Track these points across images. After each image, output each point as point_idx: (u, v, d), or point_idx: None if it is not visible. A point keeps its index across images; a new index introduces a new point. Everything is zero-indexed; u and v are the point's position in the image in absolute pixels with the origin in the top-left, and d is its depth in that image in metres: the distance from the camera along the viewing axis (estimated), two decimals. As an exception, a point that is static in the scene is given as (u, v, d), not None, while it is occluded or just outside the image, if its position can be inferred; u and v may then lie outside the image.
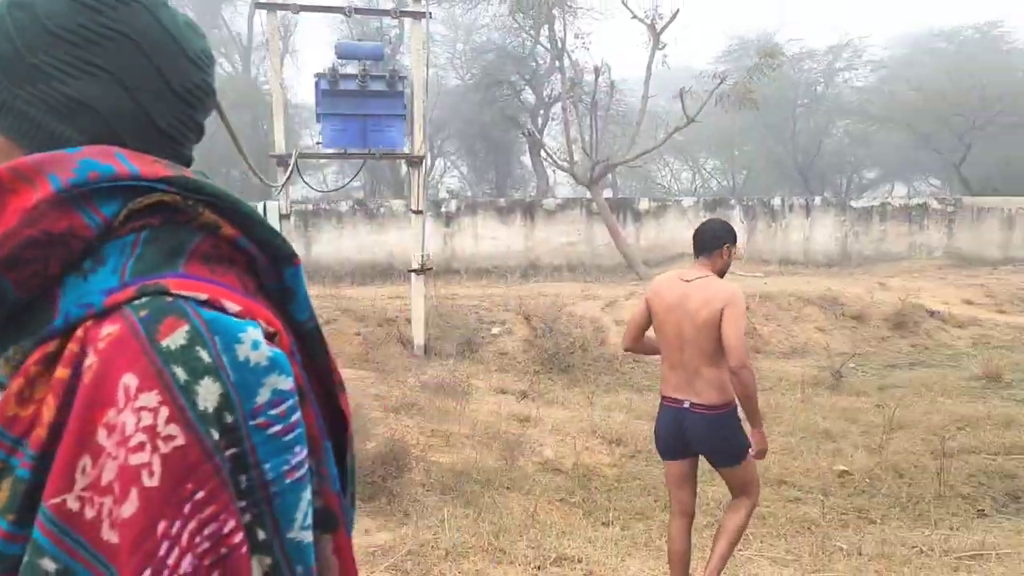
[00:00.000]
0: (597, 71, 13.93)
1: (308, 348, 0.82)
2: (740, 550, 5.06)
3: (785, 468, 6.76)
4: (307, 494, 0.72)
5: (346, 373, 8.36)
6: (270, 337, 0.71)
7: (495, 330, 10.73)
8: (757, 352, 11.49)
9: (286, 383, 0.70)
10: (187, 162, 0.82)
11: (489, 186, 29.28)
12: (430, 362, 9.77)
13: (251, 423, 0.68)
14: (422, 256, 9.81)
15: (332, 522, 0.82)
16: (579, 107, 15.85)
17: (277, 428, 0.69)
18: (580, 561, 4.50)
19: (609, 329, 11.31)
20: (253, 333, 0.68)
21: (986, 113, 21.61)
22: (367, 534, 4.53)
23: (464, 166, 32.97)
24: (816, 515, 5.63)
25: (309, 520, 0.73)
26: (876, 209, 18.47)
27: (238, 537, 0.67)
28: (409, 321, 10.47)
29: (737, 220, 17.35)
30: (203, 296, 0.68)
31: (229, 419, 0.66)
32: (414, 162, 9.72)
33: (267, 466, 0.69)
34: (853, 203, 18.90)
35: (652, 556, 4.84)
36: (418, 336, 10.10)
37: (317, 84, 9.28)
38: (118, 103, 0.76)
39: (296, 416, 0.70)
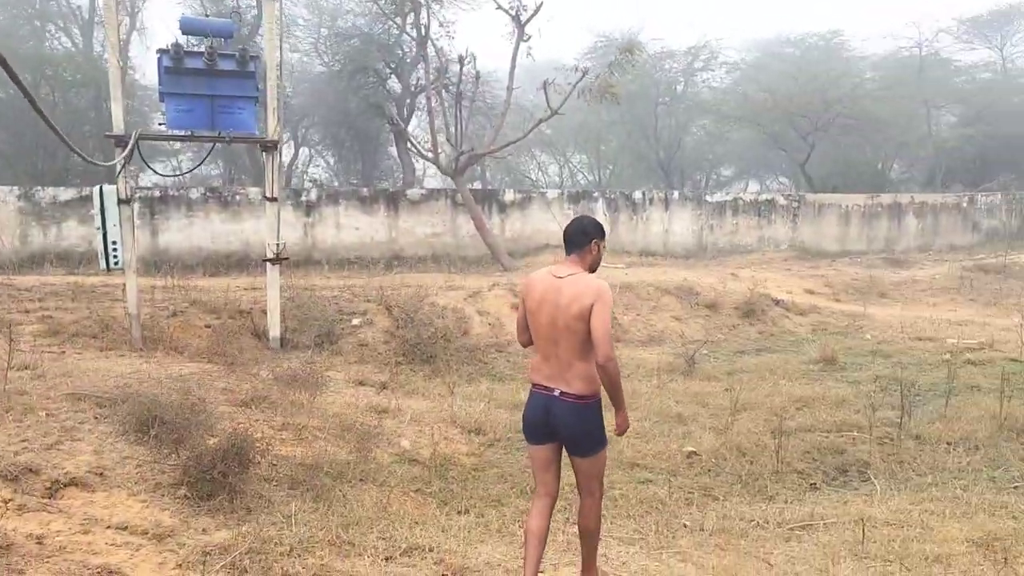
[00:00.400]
0: (462, 61, 13.86)
1: None
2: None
3: (638, 451, 6.94)
4: None
5: (192, 367, 7.94)
6: None
7: (355, 321, 10.49)
8: (618, 341, 11.79)
9: None
10: None
11: (356, 177, 28.68)
12: (286, 354, 9.44)
13: None
14: (277, 245, 9.46)
15: None
16: (444, 97, 15.73)
17: None
18: (431, 550, 4.43)
19: (472, 319, 11.31)
20: None
21: (828, 115, 23.13)
22: (204, 533, 4.28)
23: (330, 156, 32.16)
24: (664, 495, 5.81)
25: None
26: (729, 204, 19.40)
27: None
28: (264, 312, 10.08)
29: (600, 213, 17.76)
30: None
31: None
32: (268, 147, 9.34)
33: None
34: (709, 198, 19.77)
35: (505, 542, 4.84)
36: (273, 328, 9.74)
37: (159, 61, 8.75)
38: None
39: None
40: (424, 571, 4.17)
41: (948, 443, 7.03)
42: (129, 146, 7.68)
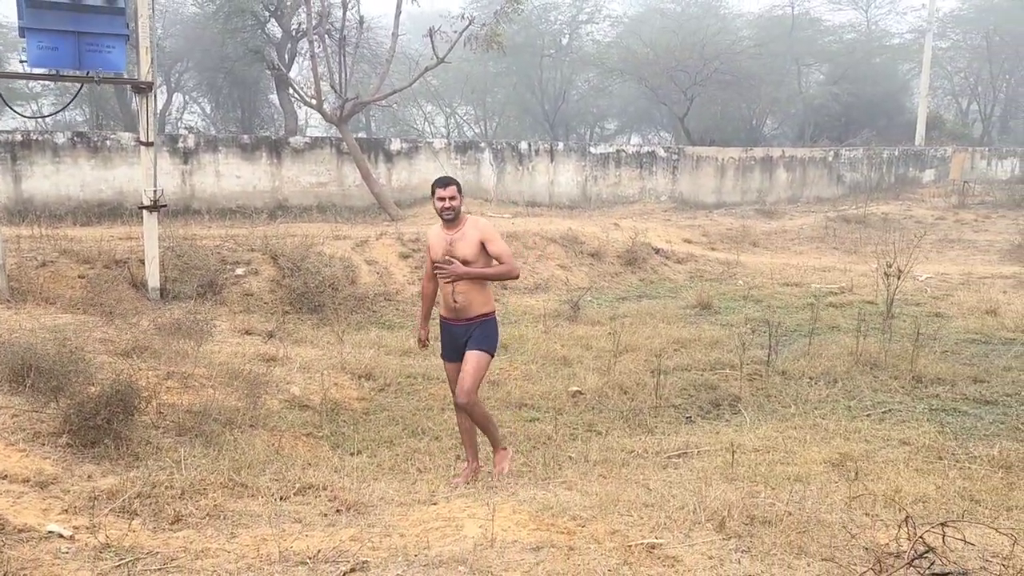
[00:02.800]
0: (345, 5, 13.48)
1: None
2: (480, 466, 5.34)
3: (525, 393, 7.20)
4: None
5: (66, 318, 7.60)
6: None
7: (240, 271, 10.24)
8: (504, 288, 12.01)
9: None
10: None
11: (234, 124, 27.53)
12: (167, 305, 9.14)
13: None
14: (154, 192, 9.07)
15: None
16: (327, 42, 15.28)
17: None
18: (325, 489, 4.50)
19: (360, 268, 11.24)
20: None
21: (706, 71, 23.89)
22: (89, 480, 4.19)
23: (206, 102, 30.69)
24: (550, 431, 6.07)
25: None
26: (612, 156, 19.85)
27: None
28: (142, 262, 9.69)
29: (487, 163, 17.83)
30: None
31: None
32: (141, 88, 8.89)
33: None
34: (593, 149, 20.15)
35: (398, 479, 4.96)
36: (152, 278, 9.40)
37: (19, -8, 8.12)
38: None
39: None
40: (318, 508, 4.23)
41: (810, 378, 7.63)
42: (-15, 83, 7.13)
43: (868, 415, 6.55)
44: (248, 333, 8.61)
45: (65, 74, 8.52)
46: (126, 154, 14.03)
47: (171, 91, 28.21)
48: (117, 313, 8.69)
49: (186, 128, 27.03)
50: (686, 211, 19.49)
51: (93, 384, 5.30)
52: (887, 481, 4.79)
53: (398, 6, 14.04)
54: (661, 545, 3.73)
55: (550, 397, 7.06)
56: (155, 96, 8.95)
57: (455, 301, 4.89)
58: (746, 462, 5.15)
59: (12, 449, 4.38)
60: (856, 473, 4.93)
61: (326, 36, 15.02)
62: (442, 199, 4.80)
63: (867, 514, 4.28)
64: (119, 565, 3.30)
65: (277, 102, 30.31)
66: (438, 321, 5.16)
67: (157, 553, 3.48)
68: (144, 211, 9.21)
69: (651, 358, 8.30)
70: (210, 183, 14.74)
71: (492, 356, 5.00)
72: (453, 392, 4.99)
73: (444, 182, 4.85)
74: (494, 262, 4.89)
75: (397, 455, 5.51)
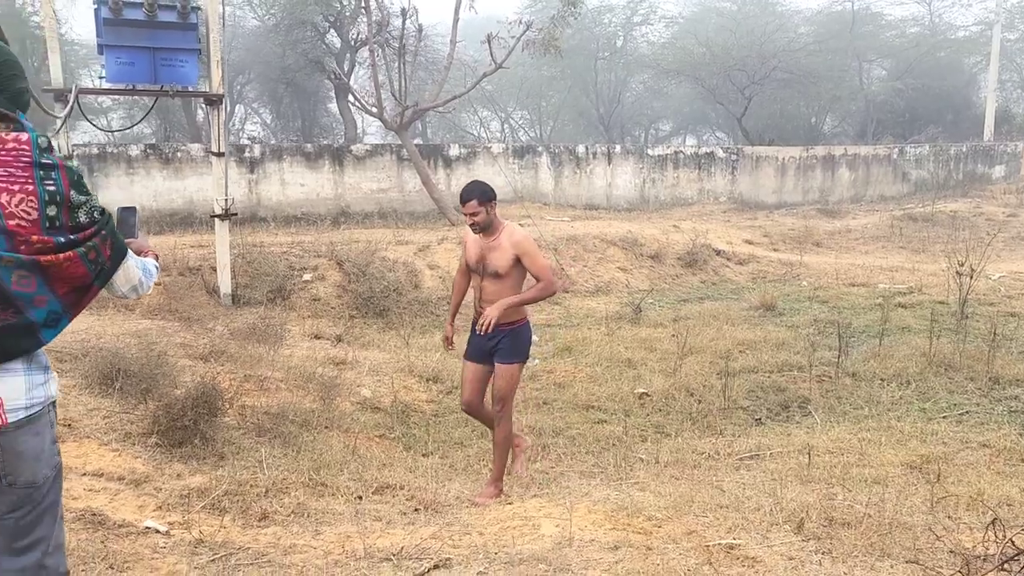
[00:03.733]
0: (404, 13, 13.70)
1: None
2: (552, 466, 5.39)
3: (592, 394, 7.22)
4: None
5: (146, 324, 7.89)
6: None
7: (307, 276, 10.48)
8: (565, 292, 12.04)
9: None
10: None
11: (295, 134, 28.12)
12: (239, 310, 9.41)
13: None
14: (226, 200, 9.35)
15: None
16: (386, 51, 15.53)
17: None
18: (402, 488, 4.60)
19: (423, 273, 11.40)
20: None
21: (764, 69, 23.54)
22: (179, 478, 4.36)
23: (267, 113, 31.41)
24: (619, 432, 6.08)
25: None
26: (670, 157, 19.71)
27: None
28: (214, 269, 10.00)
29: (545, 167, 17.88)
30: None
31: None
32: (212, 101, 9.17)
33: None
34: (650, 151, 20.03)
35: (471, 479, 5.04)
36: (224, 284, 9.67)
37: (97, 12, 8.47)
38: None
39: None
40: (396, 507, 4.33)
41: (882, 379, 7.47)
42: (71, 100, 7.47)
43: (944, 417, 6.39)
44: (317, 337, 8.81)
45: (141, 88, 8.84)
46: (196, 165, 14.48)
47: (233, 102, 28.95)
48: (193, 319, 8.99)
49: (249, 139, 27.70)
50: (746, 212, 19.24)
51: (177, 387, 5.51)
52: (968, 484, 4.69)
53: (456, 13, 14.22)
54: (739, 546, 3.72)
55: (616, 399, 7.07)
56: (225, 108, 9.22)
57: (480, 308, 4.68)
58: (820, 464, 5.08)
59: (106, 449, 4.59)
60: (937, 476, 4.82)
61: (385, 45, 15.27)
62: (465, 215, 4.53)
63: (949, 517, 4.20)
64: (214, 559, 3.44)
65: (336, 111, 30.95)
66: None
67: (248, 548, 3.61)
68: (216, 220, 9.49)
69: (716, 360, 8.23)
70: (275, 191, 15.12)
71: (524, 362, 4.81)
72: (463, 392, 4.90)
73: (464, 197, 4.51)
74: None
75: (469, 456, 5.59)
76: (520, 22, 13.50)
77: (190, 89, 8.98)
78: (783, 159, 20.71)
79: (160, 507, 3.93)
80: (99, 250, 2.07)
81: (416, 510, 4.27)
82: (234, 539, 3.69)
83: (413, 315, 10.22)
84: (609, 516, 4.10)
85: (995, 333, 7.87)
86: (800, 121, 29.96)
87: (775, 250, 15.46)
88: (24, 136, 1.98)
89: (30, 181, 1.95)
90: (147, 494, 4.07)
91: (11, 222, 1.92)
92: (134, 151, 14.21)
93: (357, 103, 15.19)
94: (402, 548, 3.60)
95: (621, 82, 30.44)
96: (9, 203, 1.92)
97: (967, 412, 6.55)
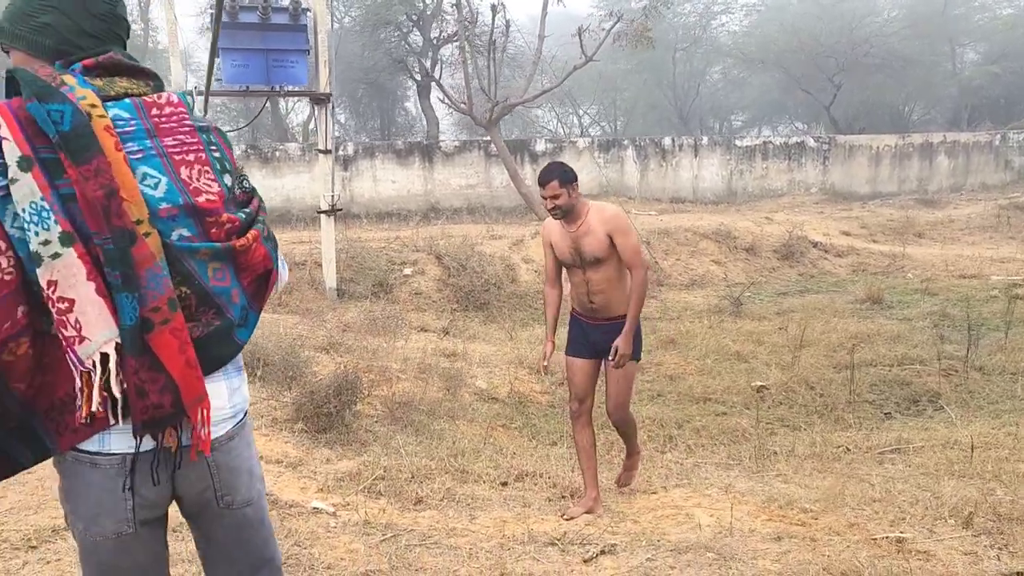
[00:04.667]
0: (494, 9, 13.77)
1: (66, 151, 1.46)
2: (684, 458, 5.33)
3: (707, 387, 7.12)
4: (9, 207, 1.42)
5: (267, 316, 8.11)
6: None
7: (407, 270, 10.64)
8: (660, 285, 11.92)
9: None
10: (106, 51, 1.63)
11: (372, 133, 28.59)
12: (344, 304, 9.61)
13: None
14: (332, 196, 9.56)
15: (67, 241, 1.43)
16: (474, 47, 15.64)
17: None
18: (541, 476, 4.62)
19: (519, 267, 11.44)
20: None
21: (854, 55, 22.82)
22: (328, 463, 4.48)
23: (343, 113, 32.01)
24: (746, 425, 5.98)
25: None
26: (759, 148, 19.31)
27: None
28: (319, 264, 10.23)
29: (631, 160, 17.74)
30: None
31: None
32: (320, 100, 9.39)
33: None
34: (738, 142, 19.65)
35: (603, 467, 5.01)
36: (330, 278, 9.90)
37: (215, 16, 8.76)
38: (64, 21, 1.59)
39: None
40: (541, 494, 4.35)
41: (1012, 373, 7.17)
42: (191, 104, 7.74)
43: (1088, 413, 6.09)
44: (423, 330, 8.93)
45: (255, 89, 9.10)
46: (292, 163, 14.86)
47: (312, 104, 29.57)
48: (302, 311, 9.23)
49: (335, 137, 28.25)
50: (839, 203, 18.70)
51: (311, 375, 5.66)
52: None
53: (544, 7, 14.22)
54: (908, 540, 3.61)
55: (733, 391, 6.96)
56: (332, 107, 9.44)
57: (591, 302, 4.11)
58: (968, 459, 4.90)
59: (257, 435, 4.73)
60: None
61: (474, 41, 15.38)
62: (544, 198, 4.03)
63: (1123, 514, 3.99)
64: (384, 540, 3.51)
65: (413, 110, 31.32)
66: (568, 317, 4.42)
67: (412, 530, 3.67)
68: (322, 215, 9.71)
69: (830, 353, 8.03)
70: (368, 188, 15.40)
71: (639, 361, 4.26)
72: (571, 394, 4.33)
73: (543, 179, 4.04)
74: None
75: (597, 445, 5.57)
76: (611, 14, 13.40)
77: (300, 89, 9.21)
78: (877, 148, 20.05)
79: (321, 489, 4.03)
80: (269, 226, 1.75)
81: (563, 497, 4.28)
82: (396, 521, 3.77)
83: (512, 308, 10.27)
84: (762, 507, 4.04)
85: None
86: (888, 109, 28.95)
87: (874, 241, 14.98)
88: (174, 96, 1.66)
89: (200, 148, 1.63)
90: (306, 477, 4.19)
91: (200, 199, 1.57)
92: (235, 152, 14.63)
93: (447, 100, 15.31)
94: (565, 533, 3.61)
95: (699, 73, 29.94)
96: (191, 177, 1.58)
97: (1112, 407, 6.23)
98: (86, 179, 1.43)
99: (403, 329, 8.19)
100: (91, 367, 1.45)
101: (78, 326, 1.43)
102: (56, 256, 1.41)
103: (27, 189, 1.40)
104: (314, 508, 3.76)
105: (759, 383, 7.14)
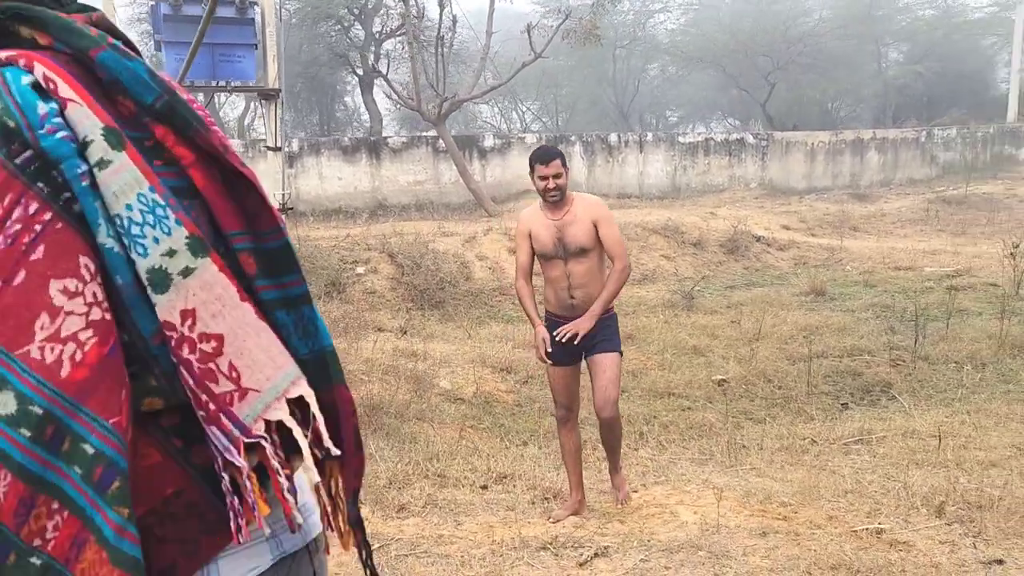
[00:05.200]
0: (442, 4, 13.65)
1: (170, 124, 0.93)
2: (657, 454, 5.38)
3: (669, 382, 7.19)
4: (99, 204, 0.86)
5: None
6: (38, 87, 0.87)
7: (360, 269, 10.48)
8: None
9: (47, 106, 0.86)
10: (80, 7, 1.03)
11: (311, 128, 28.10)
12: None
13: (39, 132, 0.84)
14: (283, 195, 9.35)
15: (200, 249, 0.90)
16: (417, 44, 15.47)
17: (63, 134, 0.85)
18: (520, 478, 4.60)
19: (473, 264, 11.38)
20: (26, 79, 0.86)
21: (789, 53, 23.41)
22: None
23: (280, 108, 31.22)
24: (712, 419, 6.06)
25: (110, 227, 0.87)
26: (701, 144, 19.64)
27: (47, 215, 0.83)
28: (268, 264, 9.99)
29: (578, 156, 17.84)
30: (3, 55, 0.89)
31: (11, 124, 0.83)
32: (269, 96, 9.16)
33: (62, 167, 0.84)
34: (681, 139, 19.97)
35: (586, 469, 5.00)
36: (281, 279, 9.67)
37: (156, 9, 8.47)
38: None
39: (65, 133, 0.85)
40: (523, 496, 4.33)
41: (955, 362, 7.44)
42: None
43: (1032, 399, 6.36)
44: (380, 330, 8.79)
45: (199, 85, 8.82)
46: (234, 160, 14.48)
47: (248, 98, 28.89)
48: (252, 313, 9.00)
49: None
50: (777, 197, 19.16)
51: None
52: (1088, 465, 4.66)
53: (491, 3, 14.16)
54: (887, 530, 3.71)
55: (694, 386, 7.04)
56: (281, 103, 9.22)
57: (572, 297, 3.97)
58: (930, 448, 5.06)
59: (224, 443, 4.59)
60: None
61: (419, 37, 15.22)
62: (544, 178, 3.83)
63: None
64: (373, 550, 3.43)
65: (352, 104, 30.91)
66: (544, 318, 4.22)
67: (399, 539, 3.61)
68: (272, 214, 9.49)
69: (783, 345, 8.21)
70: (313, 185, 15.11)
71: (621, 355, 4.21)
72: (557, 402, 4.22)
73: (546, 156, 3.89)
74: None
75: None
76: (559, 11, 13.44)
77: (248, 84, 8.97)
78: (812, 144, 20.62)
79: (300, 500, 3.92)
80: None
81: (546, 499, 4.26)
82: (381, 530, 3.70)
83: (468, 306, 10.21)
84: (742, 502, 4.10)
85: (1070, 314, 7.82)
86: (818, 107, 29.81)
87: (813, 235, 15.39)
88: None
89: None
90: (282, 488, 4.07)
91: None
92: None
93: (395, 96, 15.12)
94: (556, 537, 3.60)
95: (638, 70, 30.30)
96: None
97: (1053, 394, 6.52)
98: (213, 159, 0.95)
99: (362, 330, 8.05)
100: (262, 435, 0.90)
101: (235, 375, 0.90)
102: (188, 272, 0.88)
103: (129, 175, 0.87)
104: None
105: (719, 377, 7.25)
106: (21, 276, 0.81)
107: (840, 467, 4.74)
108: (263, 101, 9.48)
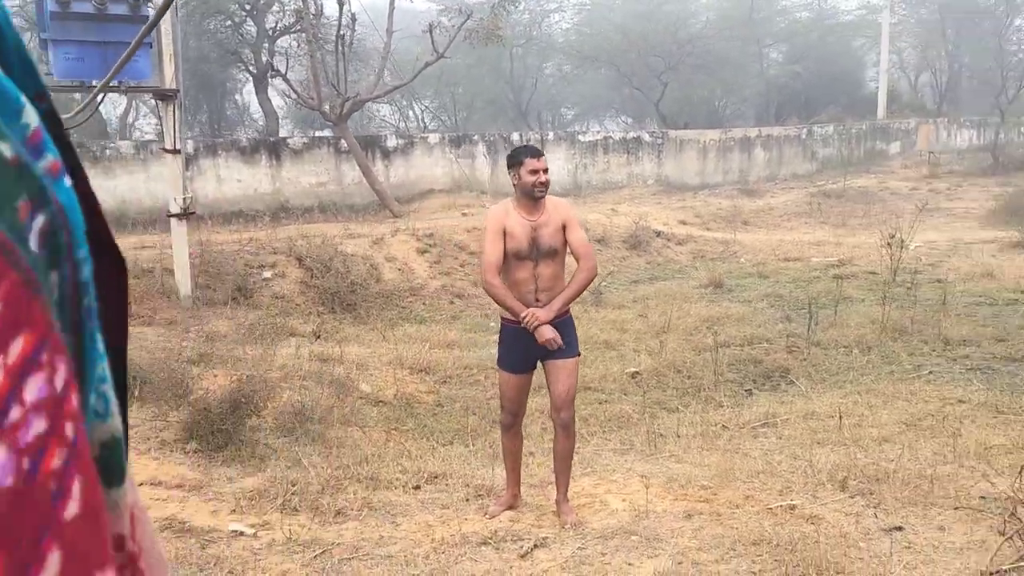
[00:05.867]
0: (340, 2, 13.48)
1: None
2: (581, 447, 5.55)
3: (584, 376, 7.36)
4: None
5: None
6: None
7: (267, 274, 10.28)
8: (519, 278, 12.20)
9: None
10: None
11: (202, 128, 27.13)
12: (202, 312, 9.15)
13: None
14: (184, 199, 9.07)
15: None
16: (319, 41, 15.22)
17: None
18: (451, 477, 4.68)
19: (382, 266, 11.34)
20: None
21: (679, 54, 24.26)
22: (232, 482, 4.32)
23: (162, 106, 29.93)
24: (629, 411, 6.31)
25: None
26: (600, 143, 20.12)
27: None
28: (169, 271, 9.68)
29: (481, 156, 17.95)
30: None
31: None
32: (167, 96, 8.87)
33: None
34: (581, 137, 20.39)
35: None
36: (184, 286, 9.39)
37: (42, 5, 8.07)
38: None
39: None
40: (456, 494, 4.42)
41: (844, 346, 7.98)
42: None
43: (914, 378, 6.90)
44: (292, 335, 8.67)
45: (92, 85, 8.45)
46: (125, 162, 13.88)
47: (130, 98, 27.63)
48: (156, 322, 8.72)
49: (153, 134, 26.50)
50: (673, 194, 19.86)
51: (194, 392, 5.40)
52: (966, 436, 5.12)
53: (391, 1, 14.09)
54: (799, 506, 4.00)
55: (609, 379, 7.29)
56: (180, 103, 8.93)
57: (537, 300, 3.89)
58: (830, 428, 5.44)
59: (146, 458, 4.48)
60: (954, 432, 5.19)
61: (318, 35, 14.97)
62: (535, 172, 3.81)
63: (961, 466, 4.60)
64: (316, 556, 3.46)
65: (243, 103, 29.98)
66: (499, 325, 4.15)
67: (339, 544, 3.64)
68: (173, 219, 9.20)
69: (688, 336, 8.60)
70: (211, 187, 14.65)
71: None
72: (505, 408, 4.12)
73: (536, 151, 3.94)
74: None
75: (493, 443, 5.69)
76: (460, 11, 13.51)
77: (144, 84, 8.66)
78: (704, 142, 21.46)
79: (234, 510, 3.90)
80: None
81: (479, 496, 4.36)
82: (320, 536, 3.71)
83: (380, 308, 10.18)
84: (666, 488, 4.32)
85: (944, 299, 8.51)
86: (705, 105, 31.00)
87: (708, 229, 16.06)
88: None
89: None
90: (213, 499, 4.02)
91: None
92: (56, 150, 13.43)
93: (294, 95, 14.83)
94: (495, 532, 3.71)
95: (535, 69, 30.70)
96: None
97: (931, 372, 7.09)
98: None
99: (276, 336, 7.92)
100: None
101: None
102: None
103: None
104: (233, 531, 3.64)
105: (632, 369, 7.54)
106: None
107: (751, 450, 5.04)
108: (160, 102, 9.16)
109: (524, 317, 3.80)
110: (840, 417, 5.46)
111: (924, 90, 36.71)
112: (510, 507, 4.10)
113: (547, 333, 3.81)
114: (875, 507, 3.98)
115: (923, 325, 8.35)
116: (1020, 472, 3.94)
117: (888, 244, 10.73)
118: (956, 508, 3.88)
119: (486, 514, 4.02)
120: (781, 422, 5.67)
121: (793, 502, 4.03)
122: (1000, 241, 14.01)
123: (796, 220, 17.42)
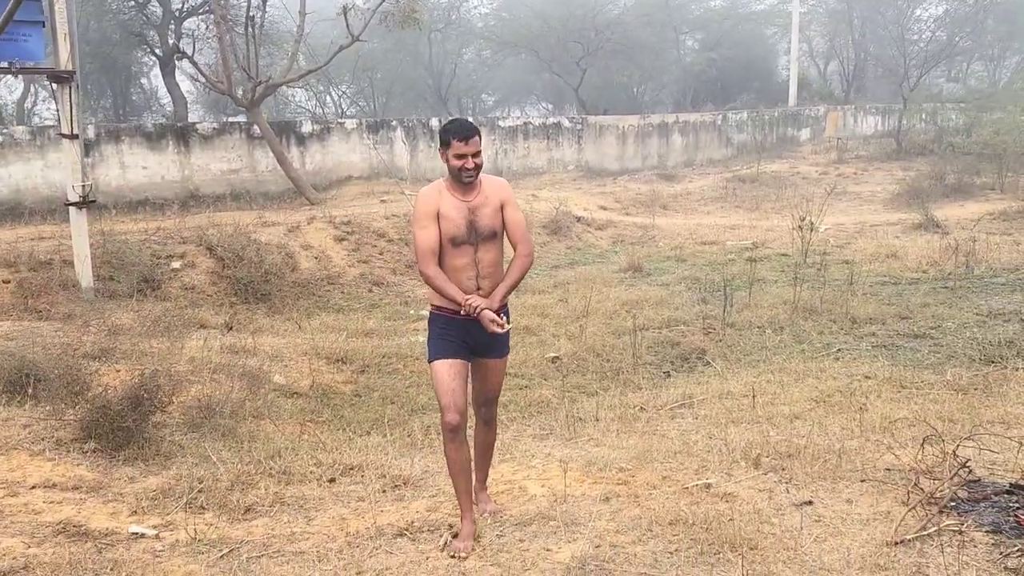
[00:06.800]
0: (250, -16, 13.04)
1: None
2: (501, 433, 5.51)
3: (504, 362, 7.38)
4: None
5: (16, 325, 7.21)
6: None
7: (175, 264, 9.89)
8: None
9: None
10: None
11: (105, 113, 25.94)
12: (107, 304, 8.74)
13: None
14: (84, 187, 8.62)
15: None
16: (228, 23, 14.67)
17: None
18: (366, 468, 4.57)
19: (298, 254, 11.06)
20: None
21: (598, 40, 24.42)
22: (134, 482, 4.11)
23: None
24: (549, 395, 6.30)
25: None
26: (520, 128, 20.10)
27: None
28: (69, 262, 9.21)
29: (400, 141, 17.68)
30: None
31: None
32: (62, 78, 8.39)
33: None
34: (501, 123, 20.33)
35: (424, 455, 5.05)
36: (85, 278, 8.95)
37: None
38: None
39: None
40: (372, 486, 4.30)
41: (758, 327, 8.17)
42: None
43: (823, 355, 7.11)
44: (203, 327, 8.36)
45: (-22, 66, 7.94)
46: (20, 149, 13.12)
47: (28, 79, 26.18)
48: (54, 316, 8.28)
49: (54, 120, 25.19)
50: (593, 179, 20.01)
51: (91, 389, 5.13)
52: (872, 411, 5.28)
53: (304, -16, 13.70)
54: (713, 485, 4.04)
55: (530, 364, 7.28)
56: (77, 85, 8.45)
57: (479, 288, 3.56)
58: (744, 406, 5.54)
59: (40, 459, 4.23)
60: (861, 407, 5.33)
61: (227, 18, 14.42)
62: (462, 156, 3.43)
63: (868, 440, 4.74)
64: (222, 556, 3.31)
65: (149, 86, 28.77)
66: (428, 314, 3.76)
67: (248, 542, 3.50)
68: (71, 208, 8.75)
69: (608, 320, 8.66)
70: (115, 175, 13.98)
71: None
72: (447, 405, 3.48)
73: (464, 131, 3.46)
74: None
75: (410, 432, 5.60)
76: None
77: (37, 66, 8.17)
78: (623, 127, 21.68)
79: (135, 512, 3.70)
80: None
81: (396, 487, 4.27)
82: (228, 535, 3.56)
83: (296, 297, 9.93)
84: (584, 472, 4.31)
85: (852, 279, 8.80)
86: (624, 91, 31.35)
87: (628, 214, 16.24)
88: None
89: None
90: (113, 500, 3.82)
91: None
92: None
93: (203, 79, 14.26)
94: (411, 523, 3.62)
95: (454, 54, 30.44)
96: None
97: (839, 349, 7.32)
98: None
99: (184, 328, 7.62)
100: None
101: None
102: None
103: None
104: (133, 533, 3.46)
105: (552, 354, 7.54)
106: None
107: (668, 431, 5.09)
108: (55, 84, 8.66)
109: (467, 303, 3.44)
110: (754, 396, 5.58)
111: (833, 78, 37.97)
112: (473, 536, 3.49)
113: (491, 315, 3.44)
114: (787, 483, 4.05)
115: (832, 304, 8.61)
116: (922, 444, 4.09)
117: (799, 227, 11.06)
118: (863, 481, 3.99)
119: (453, 555, 3.36)
120: (698, 402, 5.75)
121: (709, 481, 4.07)
122: (903, 223, 14.59)
123: (712, 204, 17.79)
